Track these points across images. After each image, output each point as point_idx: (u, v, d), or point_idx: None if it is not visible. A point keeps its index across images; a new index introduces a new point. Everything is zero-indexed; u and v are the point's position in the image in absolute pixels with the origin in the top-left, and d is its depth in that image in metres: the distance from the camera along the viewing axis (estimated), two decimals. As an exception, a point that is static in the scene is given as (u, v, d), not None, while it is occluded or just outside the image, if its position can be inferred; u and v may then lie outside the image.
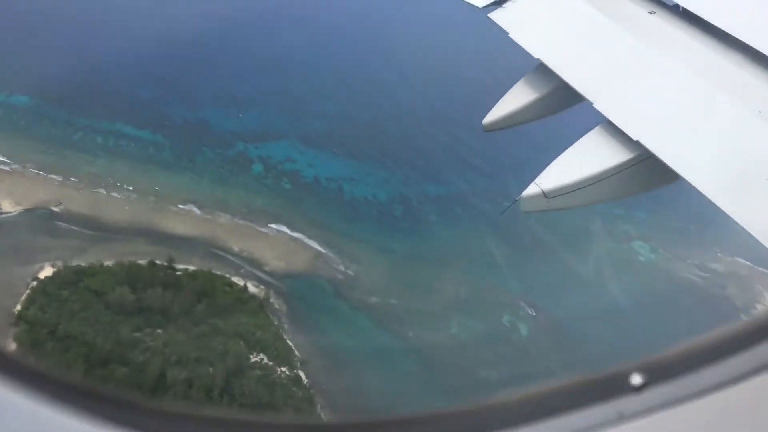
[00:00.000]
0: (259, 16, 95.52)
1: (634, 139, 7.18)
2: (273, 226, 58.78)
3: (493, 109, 8.86)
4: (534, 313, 59.68)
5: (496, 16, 9.22)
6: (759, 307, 70.66)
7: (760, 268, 75.79)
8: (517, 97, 8.84)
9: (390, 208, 68.16)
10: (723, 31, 8.09)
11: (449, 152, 79.67)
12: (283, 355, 46.65)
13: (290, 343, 47.86)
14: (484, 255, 65.15)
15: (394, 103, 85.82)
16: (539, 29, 9.21)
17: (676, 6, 8.86)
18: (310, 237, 59.09)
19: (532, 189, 7.42)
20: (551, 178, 7.48)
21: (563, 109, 8.98)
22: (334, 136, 76.96)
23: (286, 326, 49.50)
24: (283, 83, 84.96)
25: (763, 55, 7.59)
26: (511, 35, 8.93)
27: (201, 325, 46.36)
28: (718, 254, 76.80)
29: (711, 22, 8.23)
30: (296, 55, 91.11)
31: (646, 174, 7.41)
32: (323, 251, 57.73)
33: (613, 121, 7.48)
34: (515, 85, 8.93)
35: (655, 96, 7.90)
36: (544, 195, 7.35)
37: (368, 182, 70.96)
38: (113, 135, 65.76)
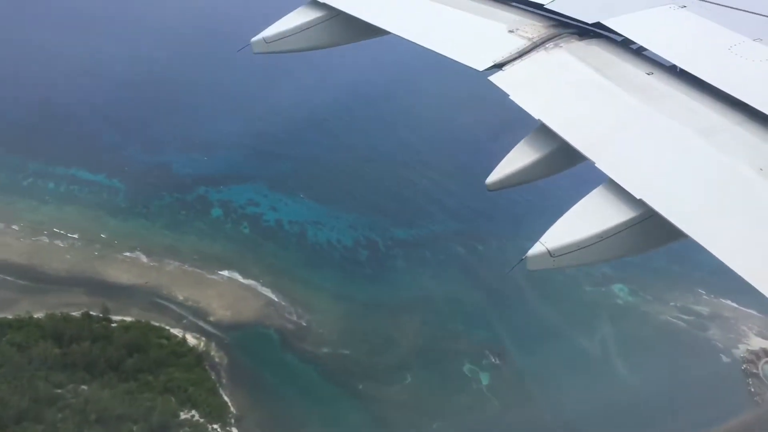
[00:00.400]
0: (232, 57, 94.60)
1: (638, 197, 7.15)
2: (224, 273, 56.50)
3: (497, 168, 8.81)
4: (498, 362, 56.68)
5: (497, 78, 9.36)
6: (741, 347, 67.56)
7: (746, 309, 72.73)
8: (520, 157, 8.79)
9: (354, 253, 65.83)
10: (721, 91, 8.17)
11: (426, 197, 77.56)
12: (216, 411, 43.98)
13: (226, 398, 45.20)
14: (452, 301, 62.50)
15: (373, 148, 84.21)
16: (539, 91, 9.27)
17: (674, 66, 8.93)
18: (263, 284, 56.71)
19: (537, 248, 7.29)
20: (556, 237, 7.33)
21: (566, 168, 8.99)
22: (304, 179, 75.15)
23: (224, 380, 46.86)
24: (256, 126, 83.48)
25: (761, 113, 7.72)
26: (511, 97, 9.04)
27: (129, 381, 43.81)
28: (703, 296, 73.86)
29: (709, 81, 8.33)
30: (273, 98, 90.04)
31: (652, 232, 7.35)
32: (275, 299, 55.29)
33: (616, 180, 7.44)
34: (517, 145, 8.91)
35: (657, 155, 7.87)
36: (550, 254, 7.23)
37: (334, 226, 68.78)
38: (66, 180, 64.20)
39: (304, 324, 53.90)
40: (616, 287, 71.49)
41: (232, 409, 44.57)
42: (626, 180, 7.36)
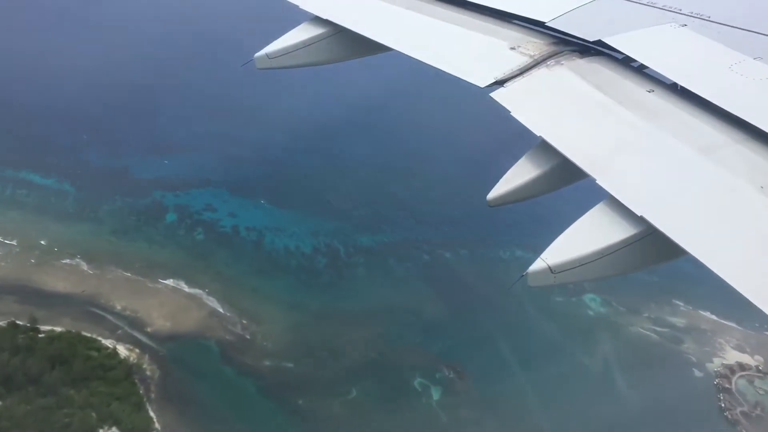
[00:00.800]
0: (202, 57, 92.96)
1: (638, 214, 7.18)
2: (169, 281, 54.48)
3: (497, 185, 8.83)
4: (453, 376, 54.40)
5: (498, 95, 9.39)
6: (716, 361, 65.05)
7: (725, 321, 70.24)
8: (521, 173, 8.81)
9: (312, 261, 63.68)
10: (722, 109, 8.26)
11: (398, 203, 75.47)
12: (138, 428, 41.96)
13: (152, 414, 43.14)
14: (411, 312, 60.23)
15: (350, 154, 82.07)
16: (540, 108, 9.30)
17: (675, 84, 9.01)
18: (209, 293, 54.64)
19: (538, 264, 7.24)
20: (557, 253, 7.31)
21: (567, 184, 8.98)
22: (270, 184, 73.18)
23: (153, 395, 44.78)
24: (227, 130, 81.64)
25: (762, 131, 7.79)
26: (512, 113, 9.04)
27: (48, 396, 41.72)
28: (680, 307, 71.40)
29: (710, 100, 8.41)
30: (252, 103, 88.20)
31: (653, 249, 7.34)
32: (220, 309, 53.20)
33: (617, 197, 7.46)
34: (519, 161, 8.93)
35: (658, 172, 7.88)
36: (551, 270, 7.17)
37: (294, 232, 66.68)
38: (13, 183, 62.41)
39: (248, 336, 51.75)
40: (588, 297, 69.08)
41: (156, 425, 42.50)
42: (627, 197, 7.42)
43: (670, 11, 10.49)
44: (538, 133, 8.69)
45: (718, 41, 9.55)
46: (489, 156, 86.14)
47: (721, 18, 10.13)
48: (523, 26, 10.94)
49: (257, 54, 11.42)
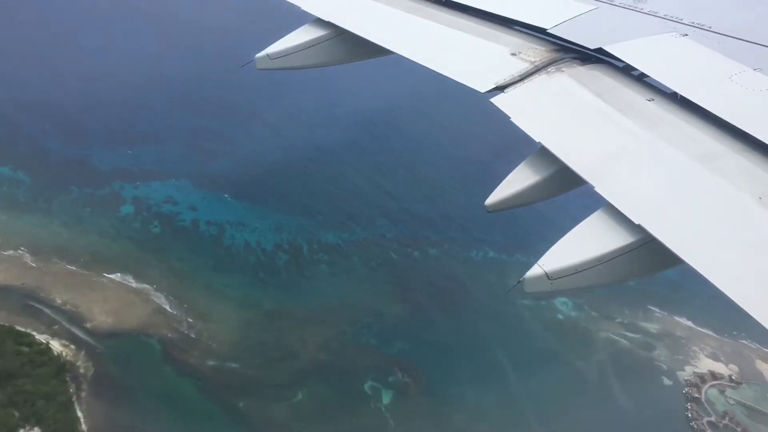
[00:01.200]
0: (177, 47, 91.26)
1: (636, 222, 7.18)
2: (115, 275, 52.64)
3: (496, 190, 8.77)
4: (407, 380, 52.54)
5: (498, 100, 9.44)
6: (687, 369, 63.16)
7: (700, 329, 68.37)
8: (520, 179, 8.79)
9: (272, 257, 61.81)
10: (720, 119, 8.29)
11: (370, 202, 73.69)
12: (63, 428, 40.09)
13: (80, 414, 41.29)
14: (371, 312, 58.37)
15: (324, 149, 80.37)
16: (540, 114, 9.30)
17: (675, 94, 9.06)
18: (157, 289, 52.79)
19: (535, 270, 7.32)
20: (554, 260, 7.36)
21: (565, 191, 8.95)
22: (237, 178, 71.33)
23: (83, 394, 42.94)
24: (198, 121, 79.96)
25: (761, 142, 7.83)
26: (512, 119, 9.06)
27: (-32, 393, 40.07)
28: (655, 313, 69.52)
29: (709, 109, 8.43)
30: (232, 97, 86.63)
31: (650, 257, 7.36)
32: (167, 306, 51.37)
33: (615, 205, 7.47)
34: (517, 167, 8.93)
35: (656, 181, 7.89)
36: (548, 277, 7.27)
37: (257, 228, 64.84)
38: (-36, 172, 60.75)
39: (193, 334, 49.91)
40: (559, 301, 67.24)
41: (83, 426, 40.67)
42: (625, 205, 7.38)
43: (672, 21, 10.44)
44: (537, 140, 8.66)
45: (719, 51, 9.55)
46: (485, 160, 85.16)
47: (722, 28, 10.12)
48: (525, 32, 10.97)
49: (258, 54, 11.45)
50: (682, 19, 10.49)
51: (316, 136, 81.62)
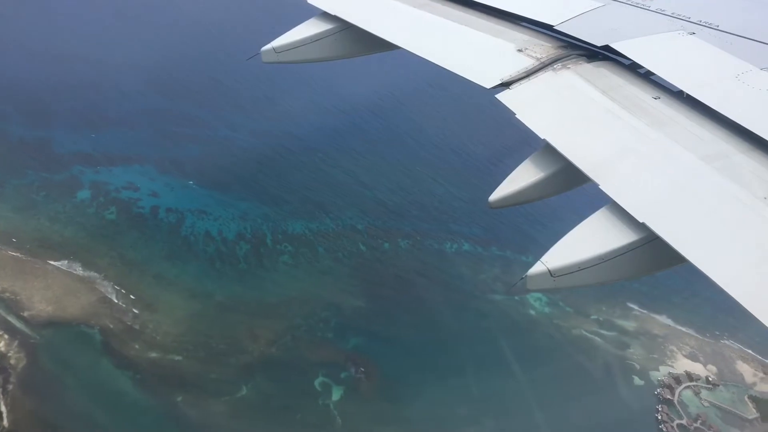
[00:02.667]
0: (154, 26, 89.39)
1: (640, 221, 7.20)
2: (62, 263, 50.90)
3: (500, 186, 8.73)
4: (360, 375, 50.64)
5: (504, 96, 9.41)
6: (662, 369, 60.99)
7: (680, 327, 66.17)
8: (524, 176, 8.73)
9: (233, 247, 59.89)
10: (727, 118, 8.29)
11: (340, 190, 71.69)
12: (-17, 424, 38.47)
13: (3, 408, 39.58)
14: (329, 305, 56.39)
15: (298, 136, 78.32)
16: (545, 111, 9.26)
17: (681, 92, 9.03)
18: (105, 278, 51.03)
19: (538, 267, 7.25)
20: (557, 257, 7.31)
21: (569, 189, 8.94)
22: (206, 164, 69.43)
23: (10, 387, 41.25)
24: (171, 104, 78.08)
25: (767, 141, 7.85)
26: (517, 115, 9.04)
27: None
28: (633, 310, 67.34)
29: (715, 108, 8.43)
30: (216, 84, 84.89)
31: (653, 256, 7.34)
32: (113, 295, 49.61)
33: (620, 203, 7.46)
34: (522, 164, 8.88)
35: (661, 179, 7.84)
36: (550, 274, 7.23)
37: (220, 216, 62.91)
38: None
39: (137, 325, 48.13)
40: (533, 297, 65.14)
41: (5, 421, 38.97)
42: (629, 203, 7.41)
43: (679, 19, 10.34)
44: (542, 136, 8.65)
45: (726, 50, 9.48)
46: (470, 151, 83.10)
47: (730, 27, 10.01)
48: (531, 29, 10.86)
49: (264, 48, 11.34)
50: (689, 18, 10.36)
51: (294, 124, 79.61)
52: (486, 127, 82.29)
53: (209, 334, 49.64)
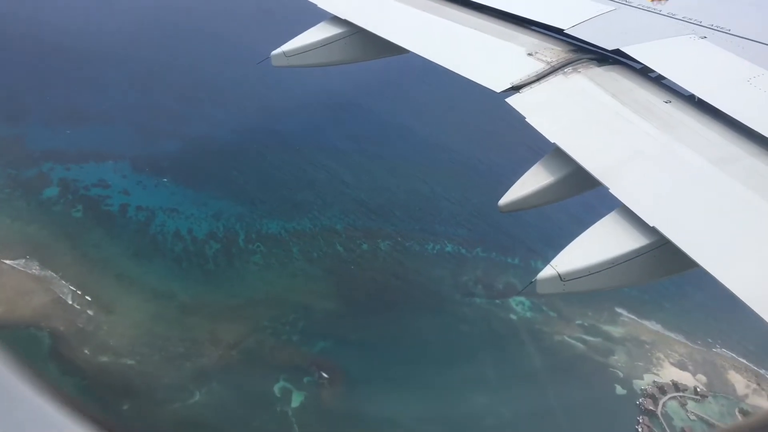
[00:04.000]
0: (132, 22, 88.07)
1: (651, 225, 7.14)
2: (18, 262, 49.53)
3: (510, 190, 8.81)
4: (324, 381, 48.78)
5: (514, 101, 9.40)
6: (646, 378, 58.48)
7: (671, 334, 63.57)
8: (534, 180, 8.79)
9: (202, 246, 58.23)
10: (738, 122, 8.28)
11: (321, 189, 69.84)
12: None
13: (-63, 415, 38.00)
14: (299, 307, 54.57)
15: (280, 133, 76.66)
16: (556, 115, 9.25)
17: (692, 96, 9.03)
18: (63, 277, 49.58)
19: (547, 271, 7.35)
20: (567, 261, 7.38)
21: (579, 192, 8.96)
22: (182, 161, 67.98)
23: (-52, 392, 39.70)
24: (152, 100, 76.70)
25: None
26: (528, 119, 8.99)
27: None
28: (621, 315, 64.84)
29: (726, 112, 8.47)
30: (205, 77, 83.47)
31: (664, 260, 7.31)
32: (69, 296, 48.11)
33: (630, 207, 7.48)
34: (532, 168, 8.88)
35: (672, 183, 7.83)
36: (560, 278, 7.25)
37: (192, 214, 61.30)
38: None
39: (91, 327, 46.58)
40: (515, 300, 62.88)
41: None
42: (640, 207, 7.47)
43: (690, 23, 10.28)
44: (552, 140, 8.76)
45: (738, 54, 9.53)
46: (458, 149, 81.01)
47: (741, 31, 10.03)
48: (542, 33, 11.08)
49: (274, 52, 11.62)
50: (701, 22, 10.27)
51: (278, 121, 77.88)
52: (489, 131, 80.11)
53: (167, 336, 47.98)
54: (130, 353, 45.70)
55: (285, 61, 11.54)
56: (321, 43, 11.49)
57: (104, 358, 44.82)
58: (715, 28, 10.16)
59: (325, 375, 48.75)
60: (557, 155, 8.63)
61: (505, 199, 8.69)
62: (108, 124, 70.30)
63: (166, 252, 56.10)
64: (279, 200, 66.38)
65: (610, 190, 7.69)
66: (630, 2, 11.41)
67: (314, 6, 12.25)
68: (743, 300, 6.01)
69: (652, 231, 7.06)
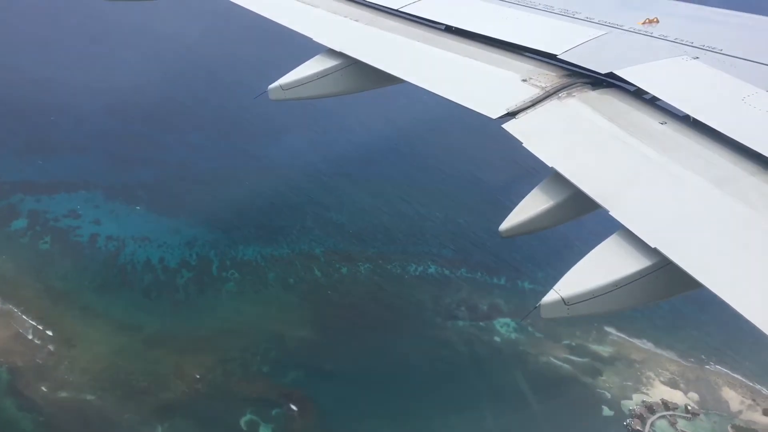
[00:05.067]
0: (109, 49, 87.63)
1: (652, 246, 7.13)
2: (-22, 296, 48.16)
3: (510, 215, 8.84)
4: (294, 413, 47.05)
5: (510, 126, 9.49)
6: (635, 398, 56.47)
7: (662, 352, 61.57)
8: (533, 204, 8.81)
9: (173, 276, 56.79)
10: (734, 140, 8.23)
11: (300, 213, 68.52)
12: None
13: None
14: (272, 337, 52.90)
15: (258, 157, 75.63)
16: (552, 139, 9.37)
17: (687, 116, 9.01)
18: (25, 311, 48.26)
19: (551, 296, 7.26)
20: (570, 285, 7.28)
21: (579, 216, 9.05)
22: (157, 189, 66.85)
23: None
24: (127, 128, 75.83)
25: None
26: (525, 144, 9.12)
27: None
28: (611, 335, 62.92)
29: (722, 132, 8.41)
30: (185, 103, 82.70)
31: (667, 281, 7.28)
32: (30, 330, 46.72)
33: (630, 229, 7.45)
34: (531, 193, 8.96)
35: (671, 204, 7.83)
36: (564, 302, 7.18)
37: (164, 243, 59.99)
38: None
39: (52, 362, 45.09)
40: (500, 322, 61.12)
41: None
42: (641, 229, 7.33)
43: (682, 44, 10.38)
44: (550, 165, 8.66)
45: (731, 74, 9.50)
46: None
47: (734, 51, 10.07)
48: (535, 59, 11.10)
49: (271, 86, 11.71)
50: (692, 43, 10.35)
51: (257, 145, 76.88)
52: (473, 152, 78.88)
53: (130, 370, 46.41)
54: (90, 388, 44.15)
55: (282, 95, 11.60)
56: (317, 75, 11.64)
57: (63, 394, 43.29)
58: (707, 48, 10.22)
59: (293, 407, 47.01)
60: (556, 179, 8.60)
61: (505, 225, 8.65)
62: (80, 153, 69.41)
63: (134, 282, 54.72)
64: (256, 226, 65.12)
65: (611, 213, 7.58)
66: (621, 25, 11.49)
67: (309, 39, 12.35)
68: (750, 320, 5.94)
69: (653, 252, 7.01)
